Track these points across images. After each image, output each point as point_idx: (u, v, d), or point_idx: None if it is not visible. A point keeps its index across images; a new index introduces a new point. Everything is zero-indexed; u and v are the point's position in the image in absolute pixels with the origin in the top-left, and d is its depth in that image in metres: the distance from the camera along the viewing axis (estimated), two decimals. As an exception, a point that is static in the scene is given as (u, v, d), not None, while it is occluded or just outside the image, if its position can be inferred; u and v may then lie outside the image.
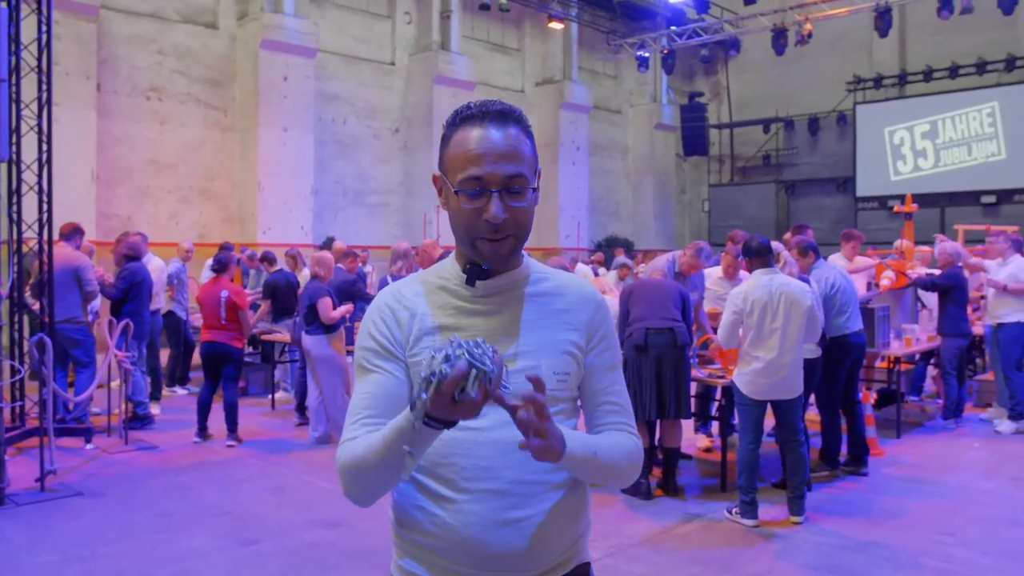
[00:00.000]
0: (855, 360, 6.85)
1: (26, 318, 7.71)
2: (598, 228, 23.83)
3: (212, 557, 4.90)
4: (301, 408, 8.64)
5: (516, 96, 21.54)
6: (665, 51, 22.21)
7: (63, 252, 7.85)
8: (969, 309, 8.91)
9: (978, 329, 9.29)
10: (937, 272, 8.73)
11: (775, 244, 6.42)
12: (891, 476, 6.68)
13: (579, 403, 1.76)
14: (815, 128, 24.38)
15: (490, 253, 1.62)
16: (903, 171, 22.23)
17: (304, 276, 9.64)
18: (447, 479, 1.60)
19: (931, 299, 9.30)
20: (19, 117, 7.03)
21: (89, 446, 7.39)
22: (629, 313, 6.18)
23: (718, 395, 6.84)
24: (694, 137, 24.84)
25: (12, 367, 7.11)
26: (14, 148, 6.90)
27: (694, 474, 6.80)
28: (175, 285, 9.88)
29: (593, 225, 23.49)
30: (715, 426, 7.57)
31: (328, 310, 7.43)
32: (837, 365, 6.66)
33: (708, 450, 7.46)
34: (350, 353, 8.04)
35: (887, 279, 9.05)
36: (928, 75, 21.96)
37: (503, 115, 1.62)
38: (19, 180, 7.19)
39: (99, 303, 8.94)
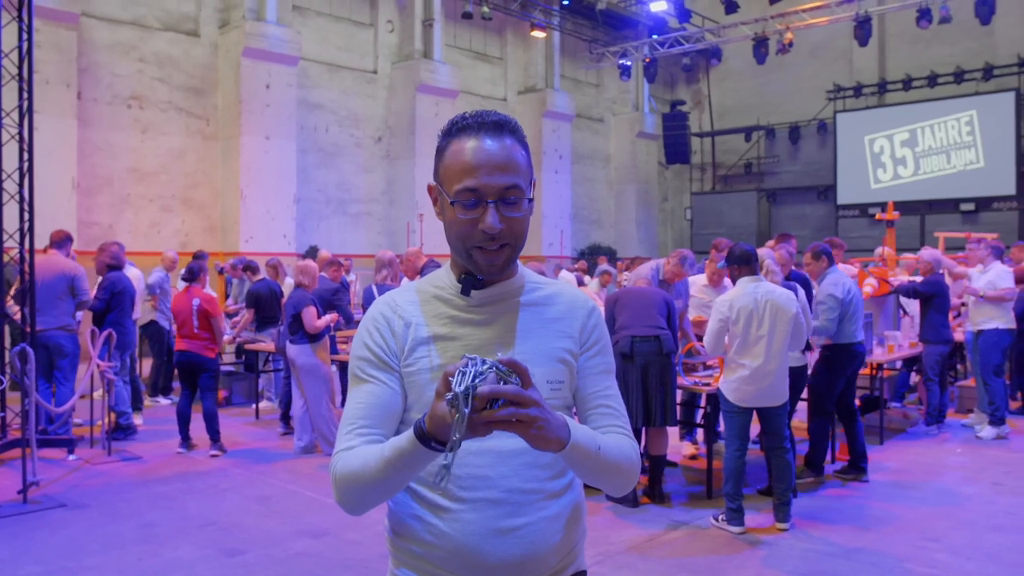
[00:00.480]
0: (855, 369, 6.87)
1: (7, 328, 7.64)
2: (581, 236, 23.89)
3: (198, 568, 4.86)
4: (286, 418, 8.60)
5: (499, 104, 21.56)
6: (647, 60, 22.35)
7: (56, 260, 7.81)
8: (951, 316, 8.97)
9: (959, 335, 9.36)
10: (919, 279, 8.79)
11: (761, 251, 6.45)
12: (875, 482, 6.71)
13: (574, 411, 1.76)
14: (796, 136, 24.54)
15: (486, 263, 1.62)
16: (883, 179, 22.41)
17: (287, 285, 9.61)
18: (443, 488, 1.60)
19: (913, 306, 9.37)
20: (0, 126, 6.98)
21: (72, 457, 7.33)
22: (615, 320, 6.20)
23: (703, 402, 6.86)
24: (676, 145, 24.95)
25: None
26: (-6, 157, 6.85)
27: (680, 481, 6.81)
28: (158, 295, 9.82)
29: (576, 233, 23.54)
30: (700, 433, 7.59)
31: (313, 319, 7.40)
32: (838, 373, 6.67)
33: (694, 457, 7.47)
34: (335, 362, 8.03)
35: (869, 286, 9.12)
36: (907, 84, 22.18)
37: (499, 126, 1.63)
38: (0, 189, 7.14)
39: (81, 312, 8.87)
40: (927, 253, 8.76)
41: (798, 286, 6.47)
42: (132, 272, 9.24)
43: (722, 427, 6.08)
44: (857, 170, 22.81)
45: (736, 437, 5.57)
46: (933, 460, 7.50)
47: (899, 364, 9.53)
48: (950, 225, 19.08)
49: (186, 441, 7.70)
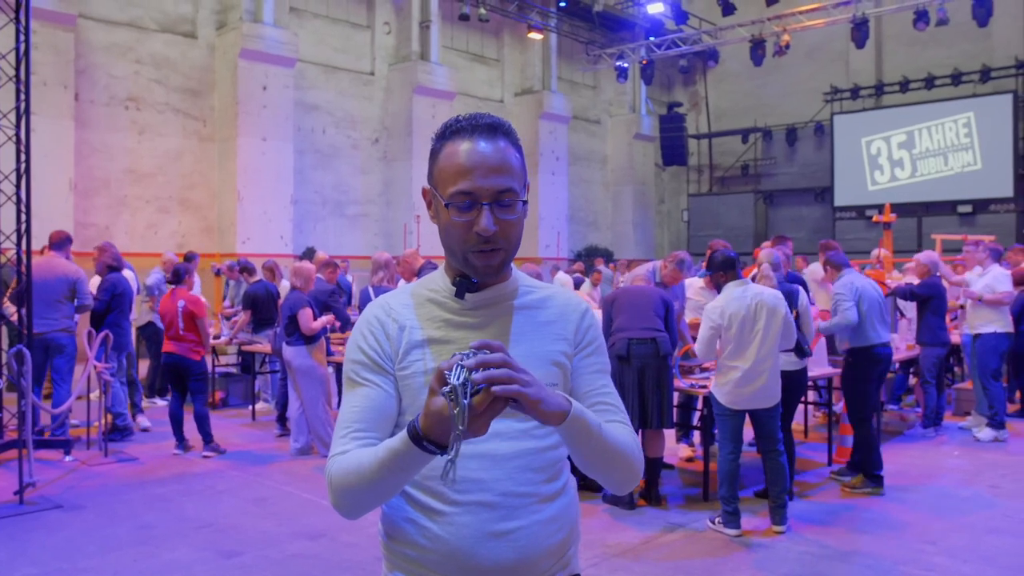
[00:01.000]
0: (881, 372, 6.82)
1: (4, 329, 7.64)
2: (577, 238, 23.89)
3: (194, 569, 4.86)
4: (282, 419, 8.59)
5: (495, 106, 21.58)
6: (644, 61, 22.37)
7: (57, 262, 7.80)
8: (948, 318, 8.97)
9: (956, 338, 9.37)
10: (916, 282, 8.79)
11: (767, 252, 6.44)
12: (871, 484, 6.71)
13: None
14: (793, 138, 24.56)
15: (481, 266, 1.62)
16: (880, 181, 22.43)
17: (284, 287, 9.60)
18: (437, 492, 1.60)
19: (910, 308, 9.37)
20: (-3, 128, 6.98)
21: (68, 458, 7.31)
22: (613, 321, 6.20)
23: (699, 405, 6.86)
24: (673, 147, 24.98)
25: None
26: (-8, 159, 6.85)
27: (676, 484, 6.81)
28: (156, 296, 9.81)
29: (572, 235, 23.55)
30: (697, 436, 7.59)
31: (309, 321, 7.40)
32: (865, 377, 6.62)
33: (690, 460, 7.47)
34: (331, 364, 8.02)
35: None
36: (904, 86, 22.20)
37: (493, 128, 1.63)
38: (-3, 191, 7.14)
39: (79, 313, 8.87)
40: (924, 256, 8.77)
41: (800, 288, 6.47)
42: (126, 273, 9.22)
43: (716, 430, 6.06)
44: (854, 172, 22.83)
45: (729, 440, 5.56)
46: (930, 463, 7.50)
47: (896, 367, 9.54)
48: (947, 227, 19.10)
49: (181, 442, 7.70)
